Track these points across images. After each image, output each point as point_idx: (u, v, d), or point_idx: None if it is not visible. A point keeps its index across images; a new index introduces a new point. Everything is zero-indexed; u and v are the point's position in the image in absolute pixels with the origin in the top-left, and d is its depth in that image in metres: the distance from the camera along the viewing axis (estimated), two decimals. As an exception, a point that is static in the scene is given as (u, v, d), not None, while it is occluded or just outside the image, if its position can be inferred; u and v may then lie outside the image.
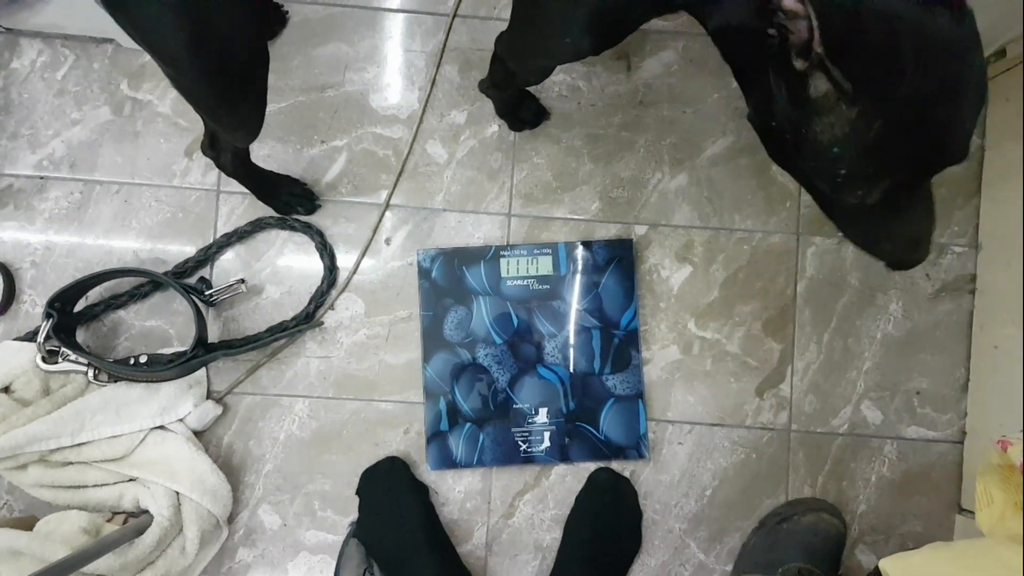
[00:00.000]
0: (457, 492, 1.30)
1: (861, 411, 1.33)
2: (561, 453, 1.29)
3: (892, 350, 1.34)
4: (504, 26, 1.00)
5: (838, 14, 0.58)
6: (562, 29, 0.84)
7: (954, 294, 1.35)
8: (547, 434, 1.29)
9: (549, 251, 1.30)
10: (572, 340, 1.29)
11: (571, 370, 1.29)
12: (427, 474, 1.29)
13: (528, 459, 1.29)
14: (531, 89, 1.32)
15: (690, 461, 1.32)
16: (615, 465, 1.30)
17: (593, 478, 1.29)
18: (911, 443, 1.33)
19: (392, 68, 1.34)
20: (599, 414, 1.29)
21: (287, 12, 1.33)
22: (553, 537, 1.30)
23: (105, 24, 1.25)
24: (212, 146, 1.13)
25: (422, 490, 1.28)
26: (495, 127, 1.33)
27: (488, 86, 1.24)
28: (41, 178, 1.31)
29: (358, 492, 1.28)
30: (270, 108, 1.25)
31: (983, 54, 0.64)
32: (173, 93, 1.31)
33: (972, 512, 1.17)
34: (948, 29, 0.60)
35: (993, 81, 1.35)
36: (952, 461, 1.33)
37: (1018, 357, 1.23)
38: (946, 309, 1.34)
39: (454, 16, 1.34)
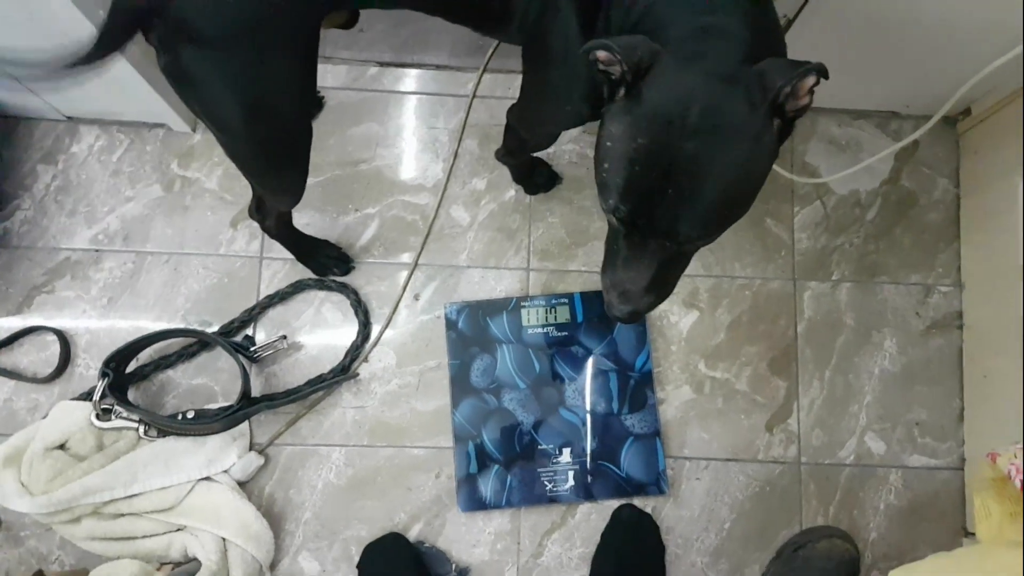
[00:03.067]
0: (488, 534, 1.37)
1: (865, 442, 1.41)
2: (585, 491, 1.36)
3: (890, 384, 1.43)
4: (516, 103, 1.15)
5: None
6: (564, 98, 0.97)
7: (943, 330, 1.45)
8: (571, 473, 1.36)
9: (566, 301, 1.41)
10: (591, 383, 1.39)
11: (591, 411, 1.38)
12: (458, 516, 1.36)
13: (554, 499, 1.36)
14: (543, 156, 1.45)
15: (708, 496, 1.39)
16: (637, 501, 1.37)
17: (616, 515, 1.36)
18: (915, 471, 1.41)
19: (419, 143, 1.48)
20: (619, 453, 1.37)
21: (323, 97, 1.48)
22: (581, 575, 1.36)
23: (158, 110, 1.39)
24: (258, 210, 1.25)
25: (422, 570, 1.32)
26: (512, 192, 1.46)
27: (503, 154, 1.37)
28: (96, 251, 1.42)
29: (359, 565, 1.34)
30: (309, 181, 1.38)
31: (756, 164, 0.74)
32: (220, 170, 1.45)
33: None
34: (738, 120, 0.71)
35: (963, 136, 1.50)
36: (955, 487, 1.40)
37: (1008, 383, 1.33)
38: (937, 344, 1.45)
39: (473, 97, 1.49)
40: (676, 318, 1.43)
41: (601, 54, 0.73)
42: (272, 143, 0.99)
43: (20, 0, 1.08)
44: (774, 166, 1.34)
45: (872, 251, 1.47)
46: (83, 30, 1.12)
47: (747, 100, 0.71)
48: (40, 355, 1.39)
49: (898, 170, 1.50)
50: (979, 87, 1.27)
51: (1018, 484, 1.11)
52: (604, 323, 1.40)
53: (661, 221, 0.75)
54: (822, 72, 0.69)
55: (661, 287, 0.84)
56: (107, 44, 0.82)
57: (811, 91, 0.71)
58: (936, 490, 1.40)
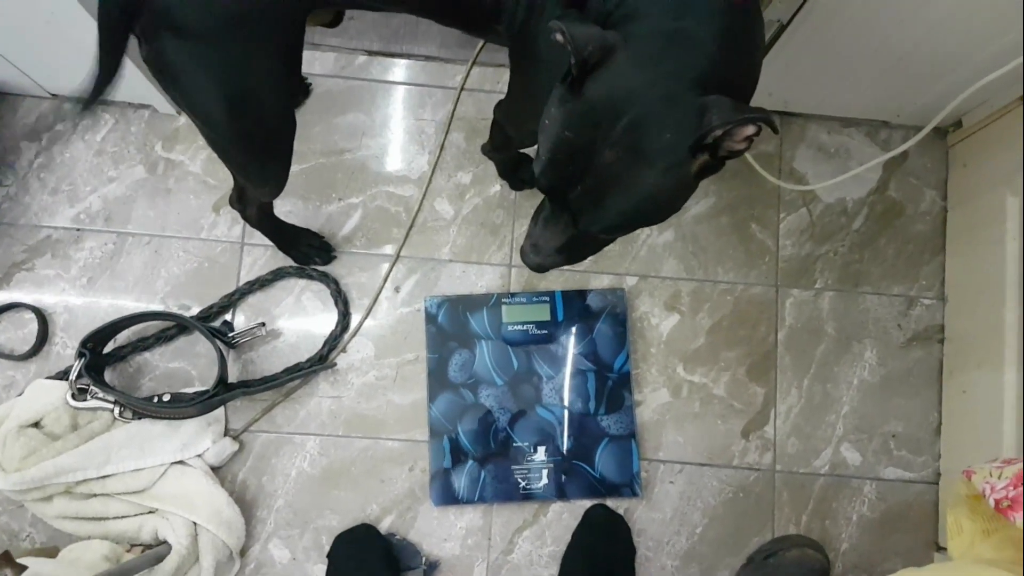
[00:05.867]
0: (459, 528, 1.37)
1: (841, 453, 1.41)
2: (558, 490, 1.36)
3: (868, 395, 1.43)
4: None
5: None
6: (547, 96, 0.96)
7: (924, 343, 1.44)
8: (545, 472, 1.36)
9: (547, 299, 1.40)
10: (568, 382, 1.38)
11: (567, 410, 1.37)
12: (430, 510, 1.36)
13: (527, 496, 1.36)
14: (529, 153, 1.44)
15: (681, 499, 1.39)
16: (610, 502, 1.37)
17: (589, 514, 1.36)
18: (889, 484, 1.41)
19: (405, 135, 1.47)
20: (594, 453, 1.37)
21: (311, 84, 1.47)
22: (551, 573, 1.36)
23: (144, 91, 1.38)
24: (240, 200, 1.24)
25: (392, 562, 1.32)
26: (497, 187, 1.45)
27: (489, 149, 1.37)
28: (78, 230, 1.42)
29: (329, 555, 1.34)
30: (293, 169, 1.37)
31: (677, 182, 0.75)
32: (204, 154, 1.44)
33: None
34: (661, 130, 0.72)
35: (952, 149, 1.49)
36: (929, 501, 1.40)
37: (986, 399, 1.32)
38: (917, 356, 1.44)
39: (461, 89, 1.48)
40: (657, 320, 1.43)
41: (559, 37, 0.72)
42: (254, 135, 0.99)
43: (37, 8, 1.12)
44: (761, 171, 1.35)
45: (856, 260, 1.46)
46: (67, 7, 1.12)
47: (675, 129, 0.71)
48: (18, 332, 1.38)
49: (886, 180, 1.49)
50: (971, 100, 1.26)
51: (992, 503, 1.11)
52: (584, 323, 1.40)
53: (570, 204, 0.79)
54: (768, 123, 0.68)
55: (571, 253, 0.87)
56: (110, 49, 0.84)
57: (749, 139, 0.71)
58: (910, 503, 1.40)
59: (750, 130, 0.70)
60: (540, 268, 0.89)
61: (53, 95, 1.44)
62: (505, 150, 1.34)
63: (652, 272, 1.44)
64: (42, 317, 1.38)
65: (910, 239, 1.48)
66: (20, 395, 1.33)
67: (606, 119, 0.72)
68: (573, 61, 0.72)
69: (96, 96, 0.90)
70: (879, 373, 1.44)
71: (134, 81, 1.32)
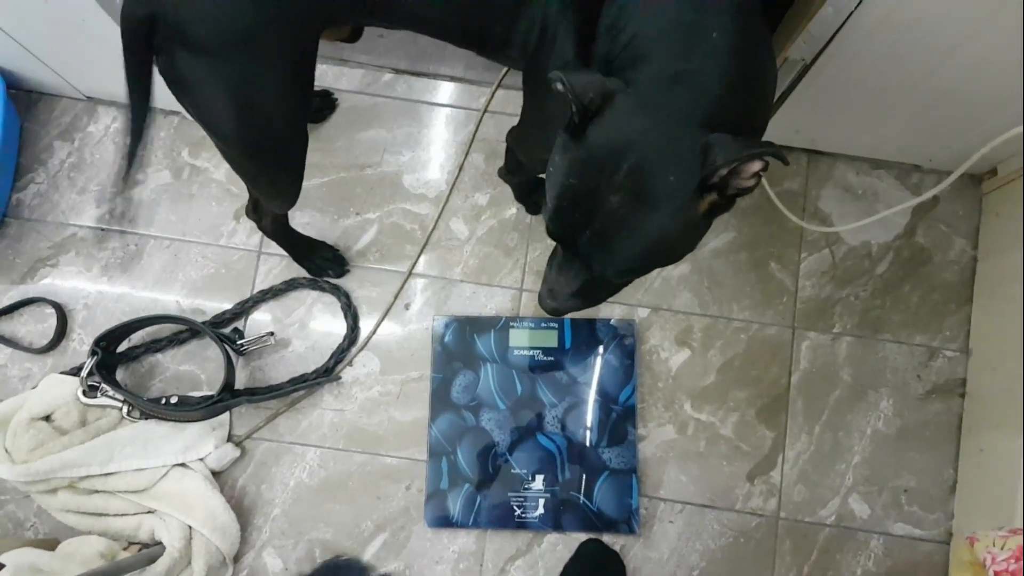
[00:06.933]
0: (451, 552, 1.36)
1: (849, 504, 1.37)
2: (554, 521, 1.34)
3: (881, 446, 1.38)
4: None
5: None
6: (558, 125, 0.96)
7: (944, 396, 1.39)
8: (542, 501, 1.34)
9: (555, 325, 1.39)
10: (571, 411, 1.36)
11: (569, 440, 1.36)
12: (424, 530, 1.35)
13: (522, 524, 1.34)
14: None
15: (679, 540, 1.36)
16: (606, 538, 1.35)
17: (583, 548, 1.34)
18: (897, 540, 1.36)
19: (425, 153, 1.48)
20: (593, 486, 1.35)
21: (336, 99, 1.48)
22: (541, 604, 1.34)
23: (173, 99, 1.40)
24: (255, 210, 1.26)
25: None
26: (513, 210, 1.45)
27: (505, 173, 1.37)
28: (102, 230, 1.45)
29: None
30: (314, 181, 1.39)
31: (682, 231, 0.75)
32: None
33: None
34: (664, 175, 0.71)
35: (987, 197, 1.44)
36: (938, 561, 1.35)
37: (1005, 461, 1.27)
38: (936, 410, 1.39)
39: (484, 111, 1.48)
40: (667, 355, 1.40)
41: (559, 86, 0.72)
42: (264, 149, 1.01)
43: (71, 15, 1.15)
44: (784, 210, 1.32)
45: (878, 306, 1.42)
46: (96, 15, 1.15)
47: (679, 170, 0.70)
48: (38, 326, 1.42)
49: (914, 225, 1.44)
50: (1004, 148, 1.22)
51: (991, 575, 1.06)
52: (592, 352, 1.38)
53: (580, 251, 0.79)
54: (776, 156, 0.67)
55: (586, 297, 0.87)
56: (137, 71, 0.87)
57: (757, 175, 0.69)
58: (918, 562, 1.35)
59: (757, 166, 0.69)
60: (556, 312, 0.89)
61: (88, 97, 1.48)
62: (519, 174, 1.34)
63: (665, 305, 1.42)
64: (62, 313, 1.41)
65: (936, 288, 1.43)
66: (34, 387, 1.36)
67: (609, 164, 0.72)
68: (574, 108, 0.72)
69: (135, 148, 0.97)
70: (894, 424, 1.39)
71: (164, 89, 1.35)
